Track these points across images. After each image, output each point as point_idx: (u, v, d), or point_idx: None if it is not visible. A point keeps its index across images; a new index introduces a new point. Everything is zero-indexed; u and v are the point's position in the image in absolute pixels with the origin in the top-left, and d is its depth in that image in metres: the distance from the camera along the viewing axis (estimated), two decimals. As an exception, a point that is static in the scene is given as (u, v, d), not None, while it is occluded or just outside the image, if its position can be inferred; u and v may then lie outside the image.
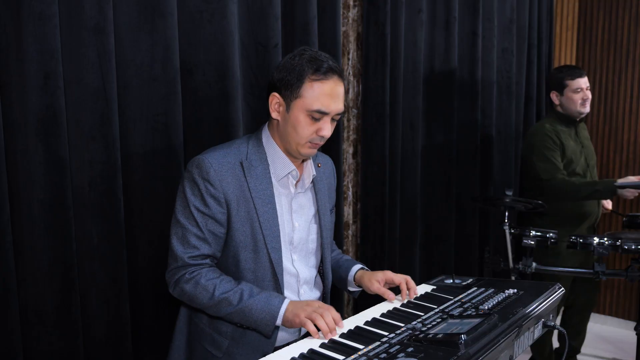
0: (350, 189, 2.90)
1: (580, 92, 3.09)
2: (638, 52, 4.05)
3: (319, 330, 1.41)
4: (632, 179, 2.93)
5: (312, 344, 1.37)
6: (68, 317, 1.72)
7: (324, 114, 1.54)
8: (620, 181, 2.91)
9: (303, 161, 1.69)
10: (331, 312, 1.45)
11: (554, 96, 3.18)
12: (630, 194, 2.93)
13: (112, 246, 1.80)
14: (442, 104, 3.19)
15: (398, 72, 2.84)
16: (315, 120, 1.55)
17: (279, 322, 1.50)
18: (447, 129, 3.23)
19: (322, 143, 1.62)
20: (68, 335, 1.73)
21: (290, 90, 1.55)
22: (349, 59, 2.80)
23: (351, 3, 2.77)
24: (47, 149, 1.64)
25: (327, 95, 1.54)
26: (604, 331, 4.14)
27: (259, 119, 2.21)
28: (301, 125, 1.55)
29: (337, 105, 1.56)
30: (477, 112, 3.41)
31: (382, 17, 2.72)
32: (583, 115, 3.15)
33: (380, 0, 2.71)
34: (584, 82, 3.10)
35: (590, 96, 3.13)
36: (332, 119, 1.59)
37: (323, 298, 1.82)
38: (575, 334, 3.40)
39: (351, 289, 1.85)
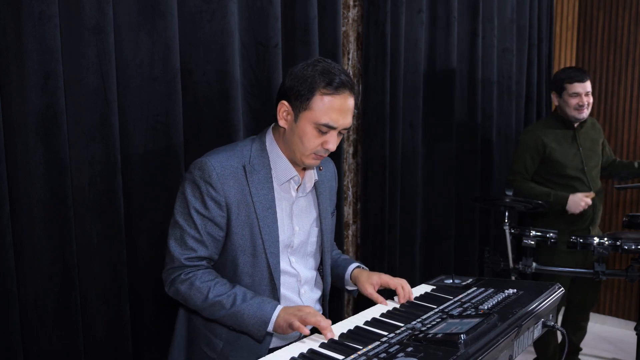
0: (350, 189, 2.90)
1: (577, 97, 3.00)
2: (638, 52, 4.05)
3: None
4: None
5: (312, 343, 1.37)
6: (68, 317, 1.72)
7: (331, 128, 1.53)
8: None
9: None
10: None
11: (553, 97, 3.15)
12: (575, 208, 2.96)
13: (112, 246, 1.81)
14: (442, 104, 3.19)
15: (398, 72, 2.84)
16: (322, 133, 1.54)
17: (270, 328, 1.50)
18: (447, 129, 3.22)
19: (326, 155, 1.61)
20: (68, 335, 1.73)
21: (300, 101, 1.53)
22: (349, 59, 2.80)
23: (351, 3, 2.77)
24: (47, 149, 1.64)
25: (336, 110, 1.52)
26: (604, 331, 4.14)
27: (259, 119, 2.21)
28: (307, 137, 1.54)
29: (345, 120, 1.55)
30: (477, 112, 3.40)
31: (382, 17, 2.72)
32: (580, 120, 3.08)
33: (380, 0, 2.71)
34: (582, 87, 2.99)
35: (588, 102, 3.01)
36: (339, 133, 1.57)
37: (322, 298, 1.82)
38: (575, 329, 3.41)
39: (349, 287, 1.85)
